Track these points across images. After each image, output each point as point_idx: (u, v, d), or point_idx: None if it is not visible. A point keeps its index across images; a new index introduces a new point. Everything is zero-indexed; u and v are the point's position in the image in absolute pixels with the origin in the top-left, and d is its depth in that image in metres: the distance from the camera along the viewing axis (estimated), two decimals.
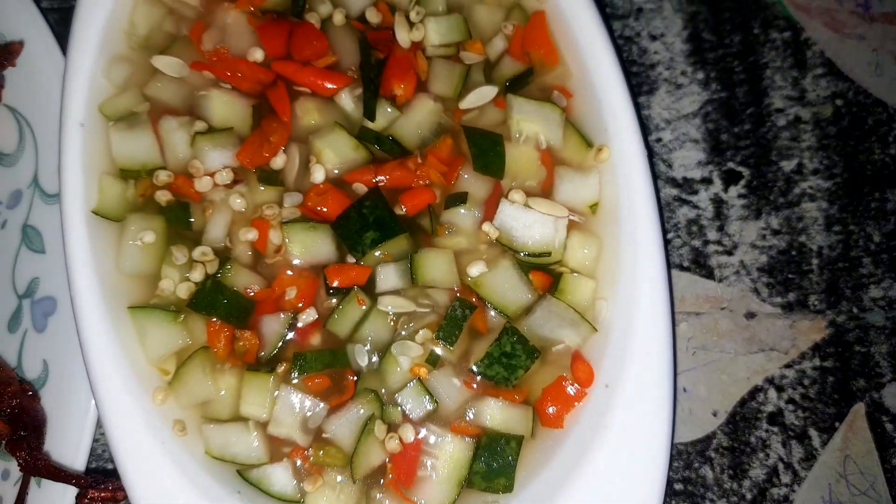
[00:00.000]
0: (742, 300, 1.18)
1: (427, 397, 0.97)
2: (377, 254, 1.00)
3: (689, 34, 1.26)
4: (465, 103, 1.05)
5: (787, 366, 1.17)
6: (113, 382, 0.95)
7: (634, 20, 1.27)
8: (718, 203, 1.21)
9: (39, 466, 0.95)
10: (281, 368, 0.97)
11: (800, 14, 1.27)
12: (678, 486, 1.14)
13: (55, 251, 1.12)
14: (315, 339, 1.00)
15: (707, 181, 1.22)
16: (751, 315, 1.18)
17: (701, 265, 1.19)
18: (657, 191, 1.11)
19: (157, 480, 0.92)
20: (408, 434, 0.96)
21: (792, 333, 1.18)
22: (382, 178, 1.02)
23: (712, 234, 1.20)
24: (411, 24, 1.07)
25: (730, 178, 1.22)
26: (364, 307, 0.98)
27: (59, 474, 0.96)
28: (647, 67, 1.25)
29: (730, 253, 1.19)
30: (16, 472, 1.04)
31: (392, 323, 0.99)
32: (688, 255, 1.20)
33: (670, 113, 1.24)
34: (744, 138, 1.23)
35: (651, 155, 1.20)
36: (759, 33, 1.26)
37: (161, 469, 0.93)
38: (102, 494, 0.95)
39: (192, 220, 1.02)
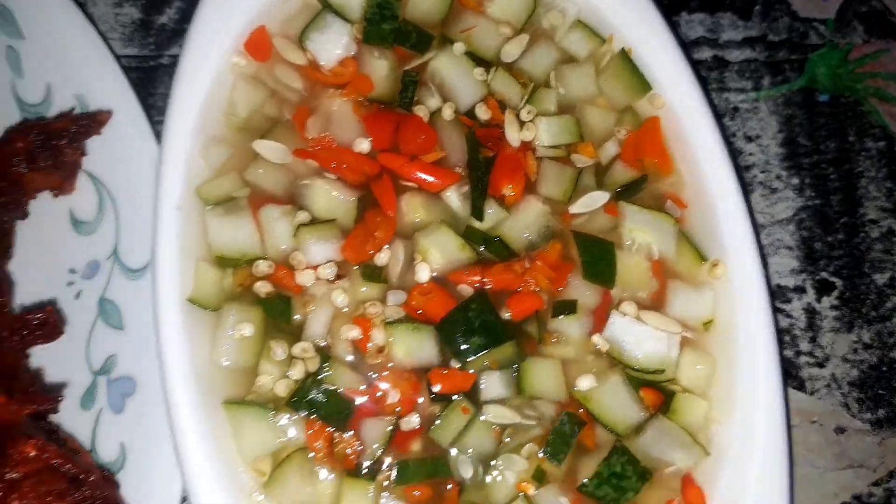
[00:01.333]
0: (832, 414, 1.16)
1: None
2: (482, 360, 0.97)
3: (784, 137, 1.25)
4: (576, 207, 1.03)
5: (876, 483, 1.15)
6: (208, 481, 0.90)
7: (730, 119, 1.26)
8: (811, 313, 1.20)
9: None
10: (381, 476, 0.94)
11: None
12: None
13: (135, 329, 1.07)
14: (416, 446, 0.96)
15: (800, 290, 1.20)
16: (840, 430, 1.16)
17: (793, 376, 1.17)
18: None
19: None
20: None
21: (881, 451, 1.16)
22: (488, 280, 0.99)
23: (804, 345, 1.18)
24: (522, 123, 1.05)
25: (823, 289, 1.21)
26: (468, 416, 0.95)
27: None
28: (743, 169, 1.24)
29: (821, 365, 1.18)
30: None
31: (496, 434, 0.96)
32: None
33: (764, 217, 1.22)
34: (837, 248, 1.22)
35: None
36: (854, 141, 1.25)
37: None
38: None
39: (293, 314, 0.98)
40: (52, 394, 0.96)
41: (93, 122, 1.07)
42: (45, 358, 1.05)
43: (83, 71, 1.14)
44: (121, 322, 1.08)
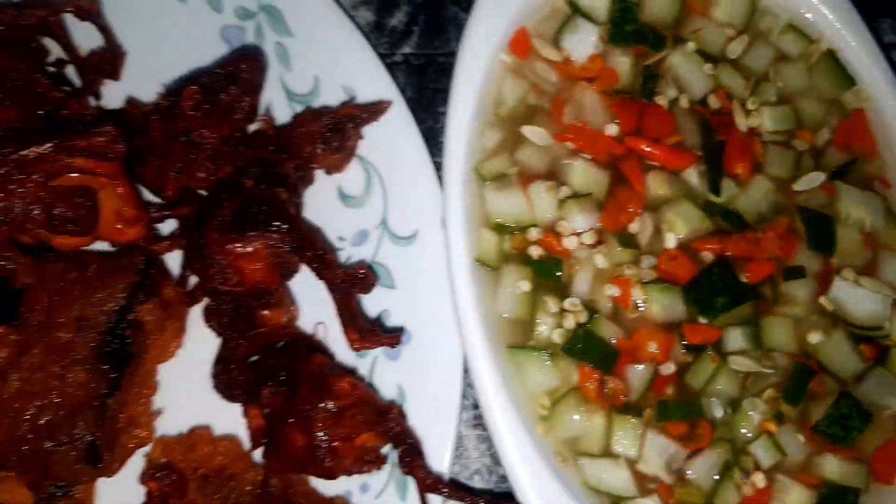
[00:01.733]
0: None
1: (775, 449, 1.09)
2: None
3: None
4: (798, 186, 1.18)
5: None
6: (504, 412, 1.07)
7: None
8: None
9: (440, 485, 1.06)
10: (646, 413, 1.10)
11: None
12: None
13: (405, 288, 1.23)
14: (670, 390, 1.12)
15: None
16: None
17: None
18: None
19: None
20: (759, 480, 1.08)
21: None
22: (727, 248, 1.15)
23: None
24: (747, 112, 1.20)
25: None
26: (716, 364, 1.11)
27: (461, 493, 1.06)
28: None
29: None
30: (376, 484, 1.16)
31: (740, 380, 1.11)
32: None
33: None
34: None
35: None
36: None
37: (555, 493, 1.04)
38: None
39: (560, 273, 1.14)
40: (394, 334, 1.12)
41: (375, 110, 1.23)
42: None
43: (348, 63, 1.30)
44: (392, 282, 1.24)
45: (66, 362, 1.07)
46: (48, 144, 1.04)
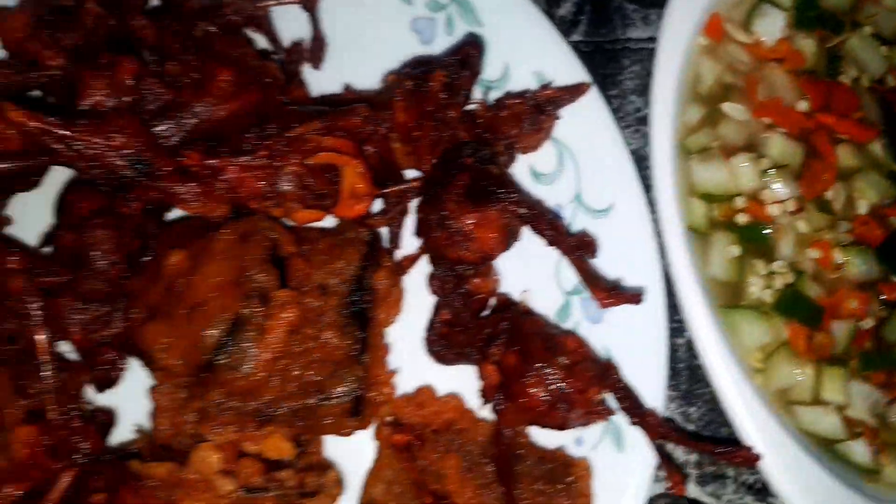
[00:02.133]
0: None
1: None
2: None
3: None
4: None
5: None
6: (727, 365, 1.16)
7: None
8: None
9: (672, 433, 1.15)
10: (850, 364, 1.20)
11: None
12: None
13: (603, 255, 1.30)
14: (869, 343, 1.22)
15: None
16: None
17: None
18: None
19: (781, 448, 1.14)
20: None
21: None
22: None
23: None
24: None
25: None
26: None
27: (692, 440, 1.16)
28: None
29: None
30: (590, 438, 1.25)
31: None
32: None
33: None
34: None
35: None
36: None
37: (777, 436, 1.14)
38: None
39: (766, 238, 1.24)
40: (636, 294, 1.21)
41: (574, 91, 1.32)
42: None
43: (538, 50, 1.39)
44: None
45: (319, 325, 1.17)
46: (315, 124, 1.13)
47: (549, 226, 1.19)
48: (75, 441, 1.07)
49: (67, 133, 1.01)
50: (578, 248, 1.20)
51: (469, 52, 1.24)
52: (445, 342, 1.27)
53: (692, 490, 1.36)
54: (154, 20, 1.22)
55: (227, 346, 1.04)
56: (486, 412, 1.25)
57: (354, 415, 1.14)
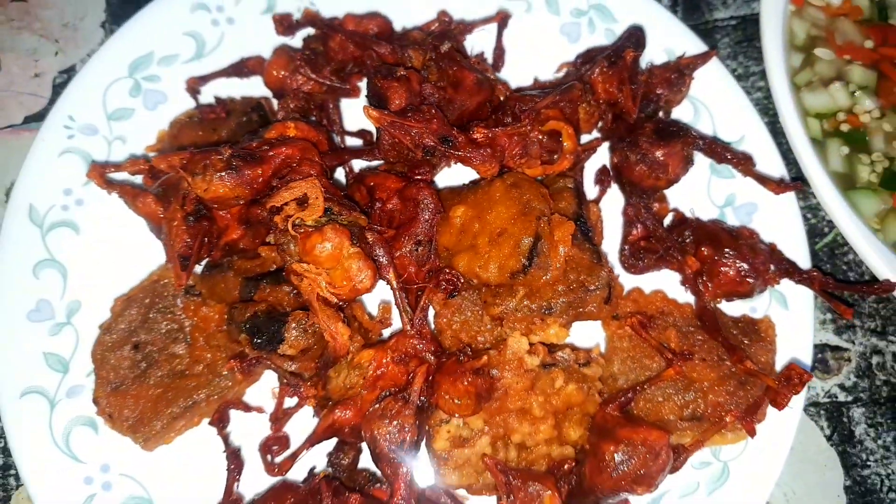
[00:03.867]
0: None
1: None
2: None
3: None
4: None
5: None
6: (857, 229, 1.62)
7: None
8: None
9: (836, 284, 1.60)
10: None
11: None
12: None
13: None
14: None
15: None
16: None
17: None
18: None
19: None
20: None
21: None
22: None
23: None
24: None
25: None
26: None
27: (855, 287, 1.61)
28: None
29: None
30: (761, 305, 1.69)
31: None
32: None
33: None
34: None
35: None
36: None
37: None
38: None
39: (864, 138, 1.71)
40: (797, 182, 1.67)
41: (704, 58, 1.78)
42: None
43: (664, 31, 1.85)
44: (731, 173, 1.79)
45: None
46: (549, 100, 1.58)
47: (721, 148, 1.65)
48: (426, 348, 1.48)
49: (407, 122, 1.44)
50: (745, 159, 1.65)
51: (638, 35, 1.70)
52: (641, 255, 1.70)
53: (832, 339, 1.81)
54: (392, 44, 1.66)
55: (535, 254, 1.46)
56: (685, 297, 1.68)
57: (607, 302, 1.57)
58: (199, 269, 1.64)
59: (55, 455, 1.58)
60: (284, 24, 1.74)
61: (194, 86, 1.76)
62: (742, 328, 1.65)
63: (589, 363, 1.56)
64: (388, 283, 1.47)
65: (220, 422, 1.58)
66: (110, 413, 1.57)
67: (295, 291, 1.47)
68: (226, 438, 1.57)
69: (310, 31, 1.74)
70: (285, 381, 1.48)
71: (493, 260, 1.49)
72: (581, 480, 1.51)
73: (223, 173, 1.38)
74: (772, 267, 1.63)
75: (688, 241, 1.67)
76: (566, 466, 1.53)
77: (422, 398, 1.47)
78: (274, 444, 1.58)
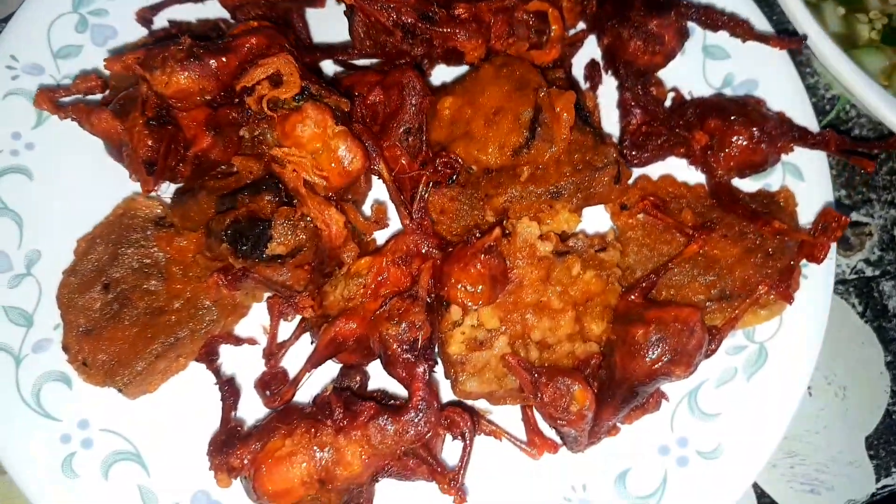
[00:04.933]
0: None
1: None
2: None
3: None
4: None
5: None
6: (864, 83, 1.53)
7: None
8: None
9: (842, 140, 1.50)
10: None
11: None
12: None
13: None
14: None
15: None
16: None
17: None
18: None
19: None
20: None
21: None
22: None
23: None
24: None
25: None
26: None
27: (862, 142, 1.51)
28: None
29: None
30: (776, 179, 1.59)
31: None
32: None
33: None
34: None
35: None
36: None
37: None
38: None
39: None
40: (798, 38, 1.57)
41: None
42: None
43: None
44: None
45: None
46: None
47: (716, 14, 1.56)
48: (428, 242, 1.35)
49: None
50: (742, 22, 1.56)
51: None
52: (644, 143, 1.59)
53: (851, 215, 1.72)
54: None
55: (537, 125, 1.34)
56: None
57: (617, 182, 1.45)
58: (168, 197, 1.50)
59: (25, 413, 1.41)
60: None
61: (145, 15, 1.62)
62: (760, 202, 1.55)
63: (606, 248, 1.44)
64: (380, 175, 1.34)
65: (209, 356, 1.42)
66: (83, 359, 1.41)
67: (277, 199, 1.33)
68: (217, 371, 1.41)
69: None
70: (277, 293, 1.33)
71: (492, 140, 1.37)
72: (612, 372, 1.38)
73: (185, 62, 1.24)
74: (783, 133, 1.53)
75: (692, 118, 1.56)
76: (593, 363, 1.40)
77: (430, 296, 1.33)
78: (271, 380, 1.43)
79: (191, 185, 1.46)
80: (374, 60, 1.50)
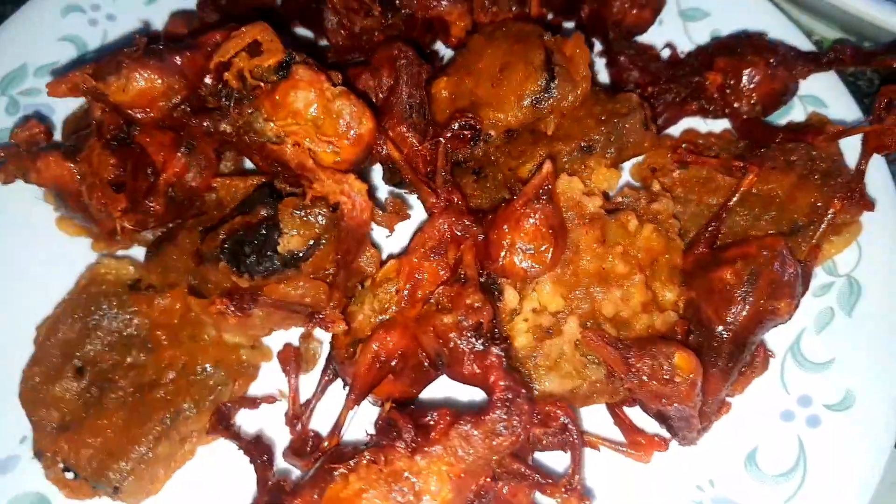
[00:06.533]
0: None
1: None
2: None
3: None
4: None
5: None
6: None
7: None
8: None
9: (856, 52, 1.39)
10: None
11: None
12: None
13: None
14: None
15: None
16: None
17: None
18: None
19: None
20: None
21: None
22: None
23: None
24: None
25: None
26: None
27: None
28: None
29: None
30: None
31: None
32: None
33: None
34: None
35: None
36: None
37: None
38: None
39: None
40: None
41: None
42: None
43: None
44: None
45: None
46: None
47: None
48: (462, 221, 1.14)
49: None
50: None
51: None
52: (654, 104, 1.45)
53: None
54: None
55: (552, 66, 1.19)
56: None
57: (647, 127, 1.30)
58: (138, 256, 1.26)
59: None
60: None
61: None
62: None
63: (657, 198, 1.26)
64: (389, 158, 1.15)
65: (222, 423, 1.14)
66: (64, 462, 1.10)
67: (274, 211, 1.11)
68: (236, 436, 1.12)
69: None
70: (296, 313, 1.07)
71: (507, 96, 1.21)
72: (709, 333, 1.16)
73: (143, 59, 1.06)
74: (795, 56, 1.43)
75: (697, 66, 1.45)
76: (678, 331, 1.19)
77: (481, 273, 1.11)
78: (301, 447, 1.15)
79: (165, 235, 1.23)
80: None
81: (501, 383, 0.99)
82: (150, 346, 1.19)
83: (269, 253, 1.03)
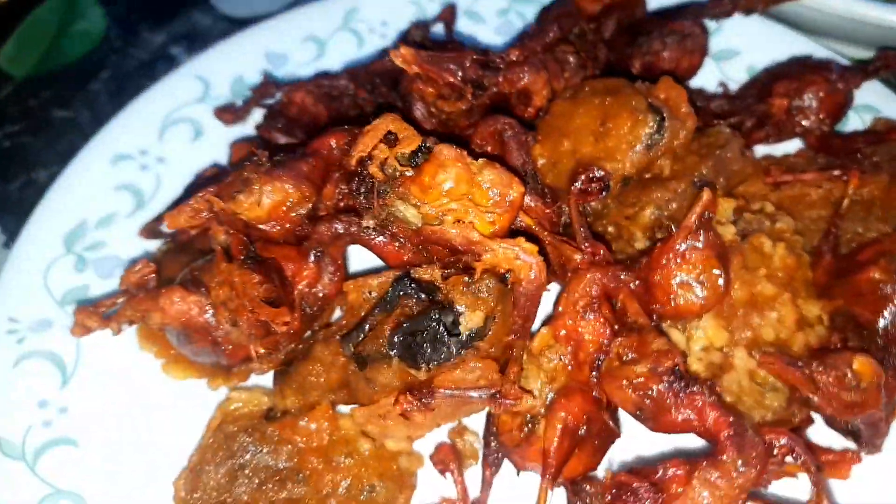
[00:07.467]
0: None
1: None
2: None
3: None
4: None
5: None
6: None
7: None
8: None
9: None
10: None
11: None
12: None
13: None
14: None
15: None
16: None
17: None
18: None
19: None
20: None
21: None
22: None
23: None
24: None
25: None
26: None
27: None
28: None
29: None
30: None
31: None
32: None
33: None
34: None
35: None
36: None
37: None
38: None
39: None
40: None
41: None
42: None
43: None
44: None
45: None
46: None
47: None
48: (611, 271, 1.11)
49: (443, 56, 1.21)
50: None
51: None
52: None
53: None
54: None
55: (656, 108, 1.19)
56: None
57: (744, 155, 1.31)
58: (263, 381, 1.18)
59: None
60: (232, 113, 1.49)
61: (152, 228, 1.40)
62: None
63: (777, 218, 1.26)
64: (527, 227, 1.13)
65: None
66: None
67: (421, 298, 1.06)
68: None
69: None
70: (480, 396, 1.00)
71: (617, 145, 1.20)
72: (870, 332, 1.14)
73: (272, 171, 1.02)
74: (846, 68, 1.49)
75: (755, 97, 1.49)
76: (835, 342, 1.17)
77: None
78: None
79: (293, 354, 1.16)
80: None
81: (724, 420, 0.93)
82: (305, 475, 1.10)
83: (444, 339, 0.97)
